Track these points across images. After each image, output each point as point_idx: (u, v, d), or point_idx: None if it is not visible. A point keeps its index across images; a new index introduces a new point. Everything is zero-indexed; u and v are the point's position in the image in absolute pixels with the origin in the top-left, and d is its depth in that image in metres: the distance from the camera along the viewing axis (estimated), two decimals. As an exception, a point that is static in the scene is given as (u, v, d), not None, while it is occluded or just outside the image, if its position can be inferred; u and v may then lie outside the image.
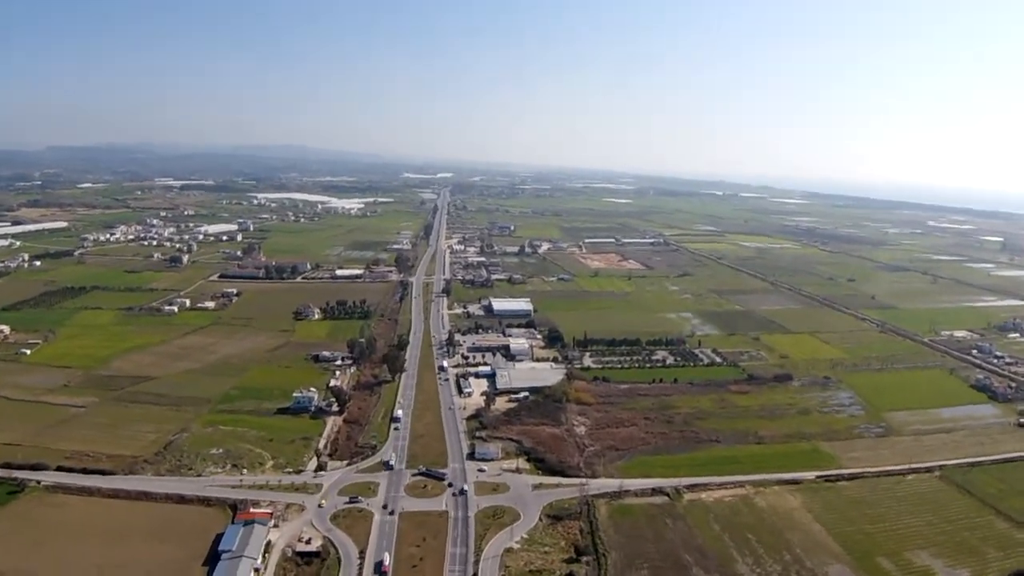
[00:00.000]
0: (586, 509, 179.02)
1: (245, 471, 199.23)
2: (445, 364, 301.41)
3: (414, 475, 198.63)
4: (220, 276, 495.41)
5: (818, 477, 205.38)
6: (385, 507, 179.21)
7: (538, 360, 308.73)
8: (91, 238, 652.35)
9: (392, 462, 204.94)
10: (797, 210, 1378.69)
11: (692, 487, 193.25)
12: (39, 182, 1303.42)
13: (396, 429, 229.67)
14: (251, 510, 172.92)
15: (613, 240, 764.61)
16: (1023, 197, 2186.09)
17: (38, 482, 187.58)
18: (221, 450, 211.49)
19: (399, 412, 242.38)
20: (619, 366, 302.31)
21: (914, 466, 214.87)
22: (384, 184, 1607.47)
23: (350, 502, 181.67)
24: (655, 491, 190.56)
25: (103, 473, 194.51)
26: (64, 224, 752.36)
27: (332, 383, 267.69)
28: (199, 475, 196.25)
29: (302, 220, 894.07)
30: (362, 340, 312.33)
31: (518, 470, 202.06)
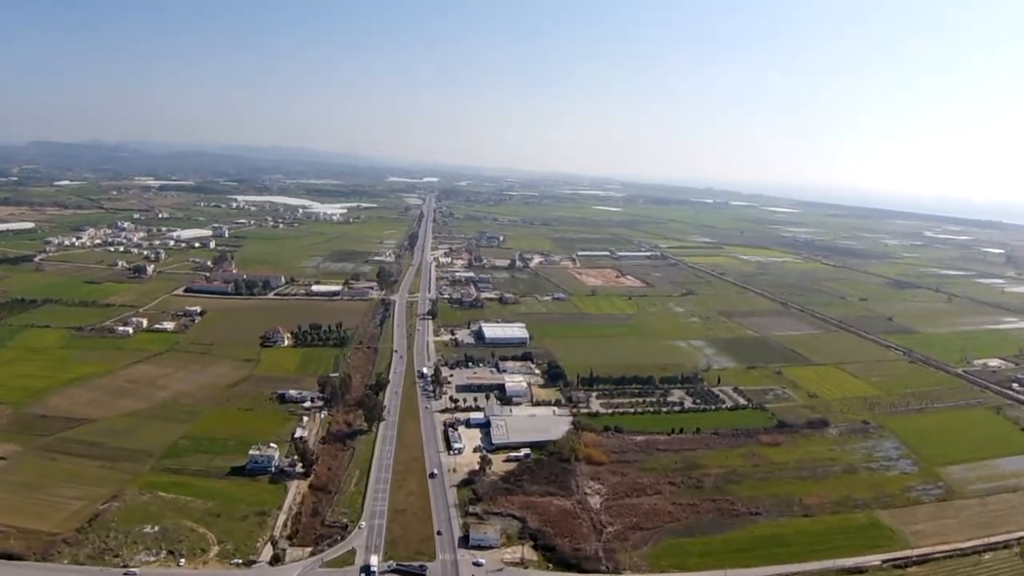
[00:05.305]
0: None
1: (183, 560, 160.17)
2: (431, 408, 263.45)
3: (384, 573, 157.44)
4: (186, 290, 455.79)
5: (884, 562, 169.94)
6: None
7: (538, 403, 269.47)
8: (55, 242, 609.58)
9: (373, 567, 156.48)
10: (790, 219, 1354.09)
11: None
12: (15, 178, 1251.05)
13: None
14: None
15: (608, 253, 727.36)
16: (991, 205, 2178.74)
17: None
18: (156, 528, 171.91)
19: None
20: (631, 410, 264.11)
21: (990, 541, 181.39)
22: (369, 188, 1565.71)
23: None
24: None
25: (11, 558, 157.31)
26: (31, 225, 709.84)
27: (298, 433, 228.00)
28: (126, 565, 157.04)
29: (281, 226, 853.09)
30: (335, 376, 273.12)
31: (523, 563, 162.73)
